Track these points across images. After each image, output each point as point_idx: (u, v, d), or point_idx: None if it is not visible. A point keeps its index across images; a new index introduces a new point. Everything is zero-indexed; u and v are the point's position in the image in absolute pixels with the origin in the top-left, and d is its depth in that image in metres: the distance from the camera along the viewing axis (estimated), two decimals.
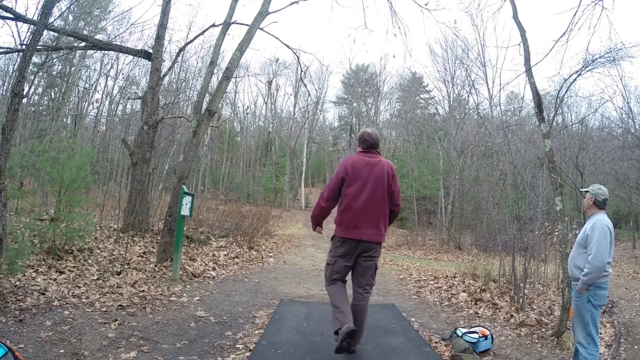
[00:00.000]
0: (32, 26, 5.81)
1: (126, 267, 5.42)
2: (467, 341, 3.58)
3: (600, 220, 2.92)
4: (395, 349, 3.52)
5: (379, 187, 3.13)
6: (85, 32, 10.53)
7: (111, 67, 19.02)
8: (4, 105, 10.02)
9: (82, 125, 17.11)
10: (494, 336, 3.80)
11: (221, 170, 25.96)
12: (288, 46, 8.40)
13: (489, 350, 3.66)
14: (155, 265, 5.83)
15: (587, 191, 3.07)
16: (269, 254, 9.26)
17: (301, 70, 10.47)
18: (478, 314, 5.05)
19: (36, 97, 18.27)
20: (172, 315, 4.03)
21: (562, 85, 6.95)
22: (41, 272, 4.54)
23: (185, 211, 5.67)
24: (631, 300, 6.78)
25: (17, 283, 4.03)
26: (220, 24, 7.46)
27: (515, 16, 4.88)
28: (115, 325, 3.47)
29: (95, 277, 4.79)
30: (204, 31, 9.26)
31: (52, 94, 18.88)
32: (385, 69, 43.05)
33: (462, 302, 5.60)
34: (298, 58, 9.36)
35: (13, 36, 15.63)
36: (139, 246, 6.76)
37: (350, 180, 3.13)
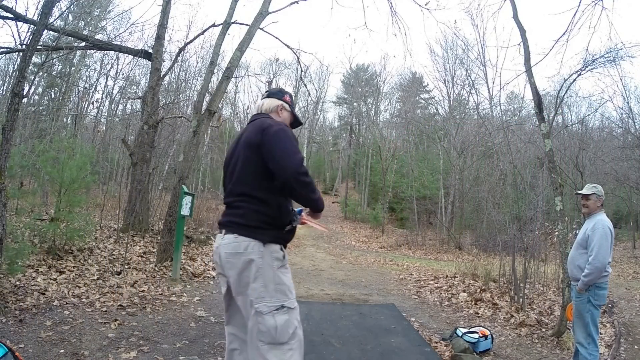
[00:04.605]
0: (32, 26, 5.81)
1: (126, 267, 5.42)
2: (467, 341, 3.58)
3: (602, 221, 2.90)
4: (395, 349, 3.52)
5: None
6: (85, 32, 10.53)
7: (111, 67, 19.01)
8: (4, 105, 10.02)
9: (82, 125, 17.10)
10: (494, 336, 3.80)
11: (221, 170, 25.94)
12: (288, 46, 8.39)
13: (489, 350, 3.66)
14: (155, 265, 5.83)
15: (592, 193, 2.99)
16: None
17: (301, 70, 10.46)
18: (478, 314, 5.05)
19: (36, 97, 18.24)
20: (172, 315, 4.03)
21: (562, 85, 6.97)
22: (41, 272, 4.53)
23: (185, 211, 5.67)
24: (631, 300, 6.78)
25: (17, 283, 4.03)
26: (220, 24, 7.46)
27: (515, 16, 4.88)
28: (115, 325, 3.47)
29: (95, 277, 4.79)
30: (204, 31, 9.26)
31: (52, 94, 18.85)
32: (385, 69, 43.12)
33: (462, 302, 5.61)
34: (298, 58, 9.35)
35: (13, 36, 15.67)
36: (139, 246, 6.76)
37: None
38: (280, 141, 1.70)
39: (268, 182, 1.74)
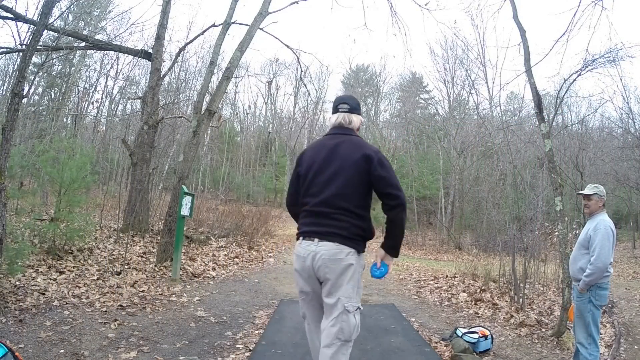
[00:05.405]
0: (32, 26, 5.82)
1: (126, 267, 5.42)
2: (467, 341, 3.58)
3: (603, 222, 2.90)
4: (395, 349, 3.52)
5: None
6: (85, 32, 10.52)
7: (111, 67, 18.97)
8: (4, 105, 10.01)
9: (82, 125, 17.10)
10: (494, 336, 3.80)
11: (221, 170, 25.95)
12: (288, 46, 8.40)
13: (489, 350, 3.66)
14: (155, 265, 5.83)
15: (594, 193, 2.98)
16: (269, 254, 9.26)
17: (301, 70, 10.46)
18: (478, 314, 5.05)
19: (36, 97, 18.22)
20: (172, 315, 4.03)
21: (562, 85, 6.94)
22: (41, 272, 4.53)
23: (185, 211, 5.67)
24: (631, 300, 6.78)
25: (17, 283, 4.03)
26: (220, 24, 7.46)
27: (515, 16, 4.88)
28: (115, 325, 3.47)
29: (95, 277, 4.79)
30: (204, 31, 9.26)
31: (52, 94, 18.83)
32: (385, 69, 43.25)
33: (462, 302, 5.60)
34: (298, 58, 9.36)
35: (13, 36, 15.67)
36: (139, 246, 6.76)
37: None
38: (391, 170, 2.02)
39: (366, 201, 2.02)
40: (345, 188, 1.97)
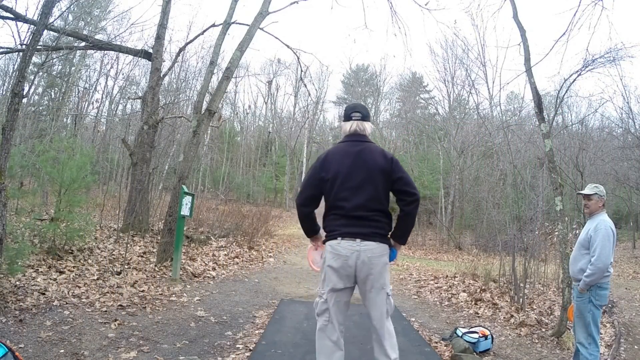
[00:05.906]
0: (32, 26, 5.81)
1: (126, 267, 5.42)
2: (467, 341, 3.58)
3: (604, 222, 2.90)
4: None
5: None
6: (85, 32, 10.52)
7: (111, 67, 18.97)
8: (4, 105, 10.02)
9: (82, 125, 17.11)
10: (494, 336, 3.80)
11: (221, 170, 25.96)
12: (288, 46, 8.40)
13: (489, 350, 3.66)
14: (155, 265, 5.83)
15: (594, 193, 2.98)
16: (269, 254, 9.26)
17: (301, 70, 10.46)
18: (478, 314, 5.05)
19: (36, 97, 18.23)
20: (172, 315, 4.03)
21: (562, 85, 6.96)
22: (41, 272, 4.53)
23: (185, 211, 5.67)
24: (631, 300, 6.79)
25: (17, 283, 4.03)
26: (220, 24, 7.46)
27: (515, 16, 4.88)
28: (115, 325, 3.47)
29: (95, 277, 4.78)
30: (204, 31, 9.25)
31: (52, 94, 18.83)
32: (385, 69, 43.20)
33: (462, 302, 5.60)
34: (298, 58, 9.34)
35: (13, 36, 15.69)
36: (139, 246, 6.76)
37: None
38: (406, 172, 2.29)
39: (389, 199, 2.27)
40: (377, 192, 2.21)
